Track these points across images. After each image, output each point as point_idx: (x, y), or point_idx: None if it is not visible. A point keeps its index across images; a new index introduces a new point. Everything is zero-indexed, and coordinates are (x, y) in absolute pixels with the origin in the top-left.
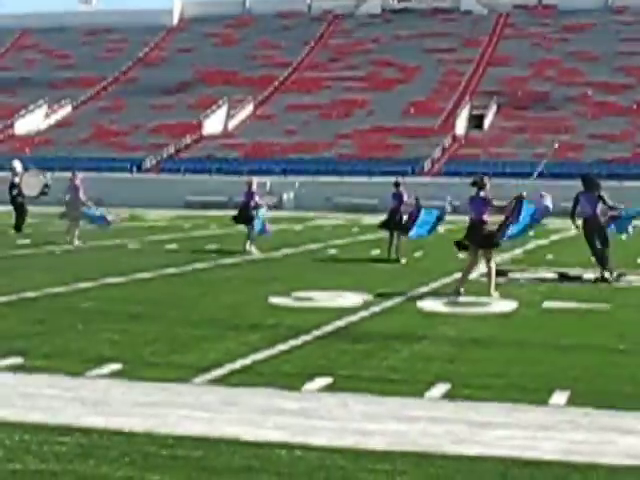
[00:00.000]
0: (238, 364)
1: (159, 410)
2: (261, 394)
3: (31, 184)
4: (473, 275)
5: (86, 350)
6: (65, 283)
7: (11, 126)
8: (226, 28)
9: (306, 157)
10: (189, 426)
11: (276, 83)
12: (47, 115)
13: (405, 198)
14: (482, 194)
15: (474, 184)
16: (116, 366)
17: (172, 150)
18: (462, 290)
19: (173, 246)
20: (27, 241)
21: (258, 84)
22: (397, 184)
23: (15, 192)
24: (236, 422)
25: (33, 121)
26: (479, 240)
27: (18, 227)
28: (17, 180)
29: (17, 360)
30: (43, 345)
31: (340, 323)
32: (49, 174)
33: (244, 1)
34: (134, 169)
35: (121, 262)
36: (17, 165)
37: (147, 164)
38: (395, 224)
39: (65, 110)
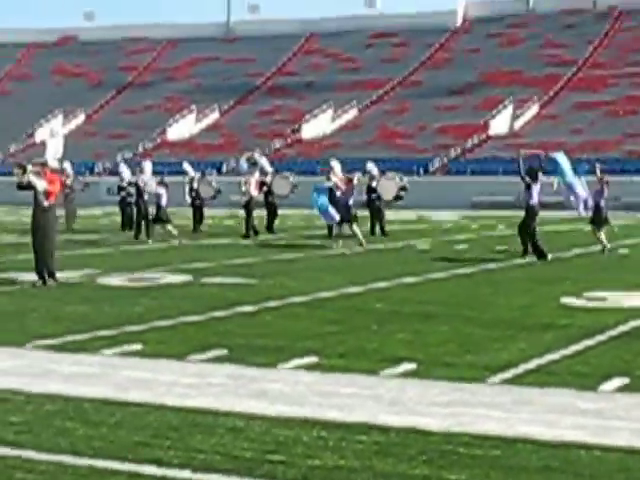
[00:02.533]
0: (532, 364)
1: (454, 409)
2: (556, 394)
3: (282, 185)
4: None
5: (380, 350)
6: (359, 284)
7: (298, 130)
8: (510, 27)
9: (593, 156)
10: (484, 425)
11: (562, 82)
12: (333, 118)
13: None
14: None
15: None
16: (410, 365)
17: (459, 151)
18: None
19: (463, 247)
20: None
21: (543, 83)
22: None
23: (264, 190)
24: (532, 422)
25: (320, 125)
26: None
27: (270, 227)
28: (269, 179)
29: (312, 359)
30: (338, 345)
31: (635, 323)
32: (295, 177)
33: (528, 0)
34: (420, 170)
35: (411, 263)
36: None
37: (435, 165)
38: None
39: (351, 113)
